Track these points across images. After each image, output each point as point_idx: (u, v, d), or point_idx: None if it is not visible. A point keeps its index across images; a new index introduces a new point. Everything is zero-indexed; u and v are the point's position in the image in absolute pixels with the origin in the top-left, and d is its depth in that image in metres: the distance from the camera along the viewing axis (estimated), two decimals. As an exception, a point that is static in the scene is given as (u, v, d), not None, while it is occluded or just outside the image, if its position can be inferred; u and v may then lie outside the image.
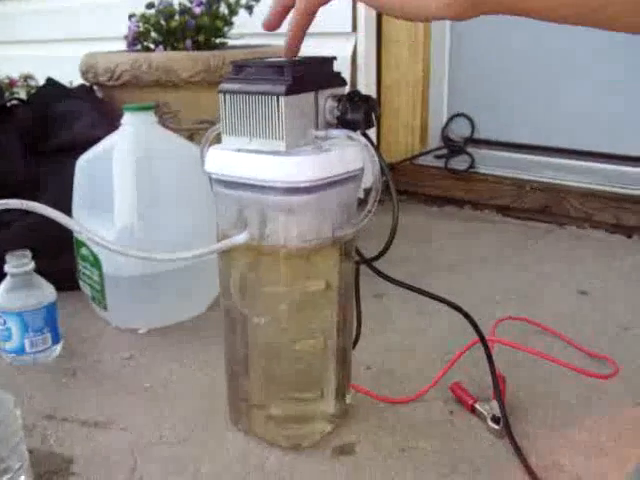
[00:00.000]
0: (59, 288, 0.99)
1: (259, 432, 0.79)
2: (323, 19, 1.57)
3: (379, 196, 0.66)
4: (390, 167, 1.63)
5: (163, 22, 1.47)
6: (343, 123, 0.67)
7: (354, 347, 0.82)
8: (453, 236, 1.46)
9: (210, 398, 0.86)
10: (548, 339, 0.99)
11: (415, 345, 0.98)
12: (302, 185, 0.64)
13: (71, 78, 2.06)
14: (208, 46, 1.48)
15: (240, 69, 0.68)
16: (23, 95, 2.24)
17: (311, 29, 1.64)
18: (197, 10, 1.44)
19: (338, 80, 0.70)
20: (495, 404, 0.79)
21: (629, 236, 1.40)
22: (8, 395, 0.68)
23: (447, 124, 1.74)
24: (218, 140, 0.72)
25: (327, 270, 0.73)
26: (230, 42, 1.55)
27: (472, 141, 1.70)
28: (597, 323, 1.03)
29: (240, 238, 0.68)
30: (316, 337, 0.75)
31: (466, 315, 0.78)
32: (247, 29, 1.56)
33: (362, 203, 0.69)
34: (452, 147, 1.69)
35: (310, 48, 1.54)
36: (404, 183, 1.69)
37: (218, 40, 1.52)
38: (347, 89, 0.70)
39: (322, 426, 0.79)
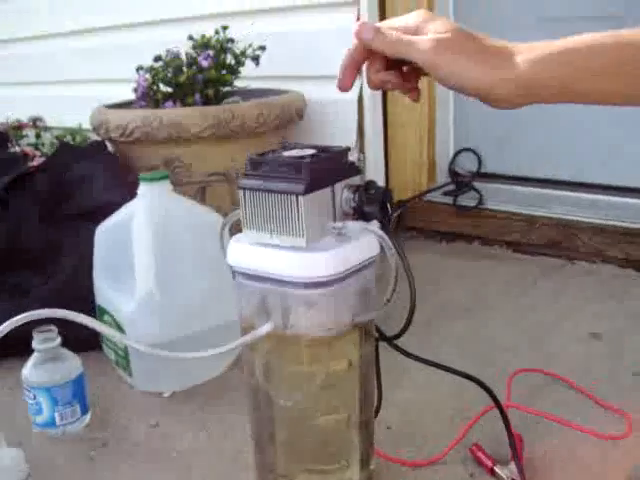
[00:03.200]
0: (82, 349, 1.02)
1: (287, 503, 0.81)
2: (329, 63, 1.61)
3: (397, 285, 0.68)
4: (399, 204, 1.67)
5: (171, 75, 1.50)
6: (359, 213, 0.70)
7: (376, 416, 0.84)
8: (463, 276, 1.48)
9: (237, 469, 0.89)
10: (562, 390, 1.01)
11: (432, 401, 1.00)
12: (322, 280, 0.67)
13: (79, 120, 2.11)
14: (216, 97, 1.51)
15: (257, 165, 0.70)
16: (32, 138, 2.28)
17: (318, 73, 1.68)
18: (204, 63, 1.47)
19: (353, 170, 0.72)
20: (513, 467, 0.81)
21: (639, 270, 1.42)
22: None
23: (454, 159, 1.76)
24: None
25: (349, 351, 0.75)
26: (237, 87, 1.58)
27: (479, 175, 1.72)
28: (609, 369, 1.05)
29: (264, 329, 0.70)
30: (340, 412, 0.77)
31: (481, 384, 0.81)
32: (252, 72, 1.60)
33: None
34: (459, 182, 1.72)
35: (318, 92, 1.59)
36: (413, 219, 1.72)
37: (225, 89, 1.55)
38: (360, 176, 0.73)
39: (348, 495, 0.81)
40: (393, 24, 0.68)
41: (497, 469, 0.83)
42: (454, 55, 0.63)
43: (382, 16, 1.63)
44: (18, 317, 0.65)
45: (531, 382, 1.02)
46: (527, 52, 0.63)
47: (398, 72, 0.72)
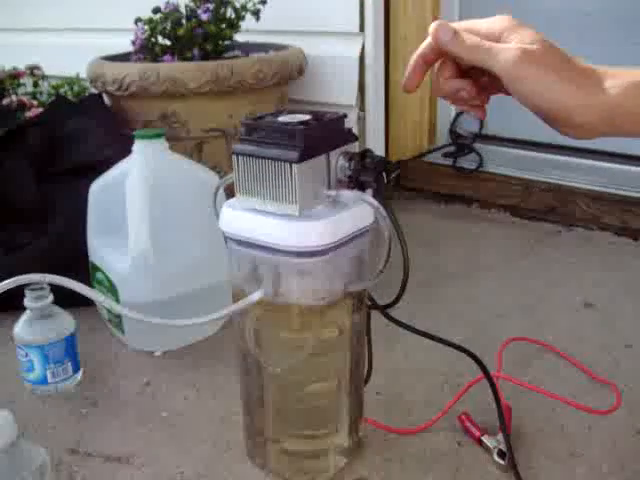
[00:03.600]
0: (74, 304, 1.01)
1: (275, 467, 0.82)
2: (330, 19, 1.58)
3: (390, 256, 0.68)
4: (398, 164, 1.66)
5: (170, 28, 1.47)
6: (355, 182, 0.69)
7: (366, 384, 0.85)
8: (460, 238, 1.48)
9: (226, 429, 0.89)
10: (553, 359, 1.01)
11: (422, 369, 1.01)
12: (315, 249, 0.66)
13: (77, 69, 2.08)
14: (215, 51, 1.49)
15: (252, 130, 0.69)
16: (29, 87, 2.24)
17: (319, 29, 1.65)
18: (204, 17, 1.45)
19: (349, 137, 0.71)
20: (501, 437, 0.82)
21: (635, 239, 1.41)
22: (41, 449, 0.71)
23: (455, 120, 1.74)
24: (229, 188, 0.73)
25: (340, 318, 0.75)
26: (237, 41, 1.56)
27: (480, 137, 1.70)
28: (602, 340, 1.06)
29: (255, 296, 0.70)
30: (330, 379, 0.78)
31: (472, 355, 0.80)
32: (252, 25, 1.57)
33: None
34: (460, 144, 1.70)
35: (319, 48, 1.57)
36: (412, 180, 1.71)
37: (225, 43, 1.53)
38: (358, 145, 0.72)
39: (337, 460, 0.82)
40: (473, 26, 0.64)
41: (484, 439, 0.83)
42: (539, 69, 0.59)
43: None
44: (8, 281, 0.65)
45: (522, 351, 1.03)
46: (614, 78, 0.58)
47: (470, 82, 0.66)
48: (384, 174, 0.69)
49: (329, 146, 0.68)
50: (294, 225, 0.66)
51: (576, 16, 1.52)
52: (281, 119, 0.69)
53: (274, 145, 0.66)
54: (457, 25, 0.64)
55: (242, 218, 0.69)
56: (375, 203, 0.67)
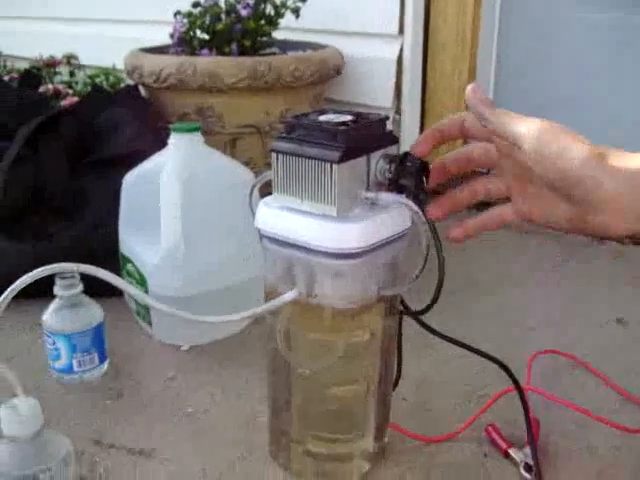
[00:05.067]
0: (102, 294, 1.01)
1: (298, 468, 0.81)
2: (370, 20, 1.57)
3: (427, 261, 0.67)
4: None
5: (209, 23, 1.47)
6: (394, 185, 0.68)
7: (394, 389, 0.84)
8: (492, 247, 1.46)
9: (251, 430, 0.89)
10: (583, 375, 0.99)
11: (449, 376, 0.99)
12: (352, 251, 0.65)
13: (114, 60, 2.09)
14: (253, 48, 1.49)
15: (293, 128, 0.68)
16: (66, 75, 2.26)
17: (358, 29, 1.65)
18: (244, 13, 1.44)
19: (390, 139, 0.70)
20: (528, 451, 0.80)
21: (670, 255, 1.39)
22: (66, 439, 0.71)
23: (490, 127, 1.72)
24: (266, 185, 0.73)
25: (372, 322, 0.74)
26: (275, 38, 1.56)
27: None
28: (633, 357, 1.04)
29: (288, 296, 0.69)
30: (359, 383, 0.77)
31: (503, 366, 0.79)
32: (291, 23, 1.57)
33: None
34: (494, 151, 1.68)
35: (357, 49, 1.56)
36: (445, 186, 1.69)
37: (263, 39, 1.53)
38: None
39: (361, 465, 0.81)
40: None
41: (512, 452, 0.82)
42: (566, 136, 0.58)
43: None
44: (39, 270, 0.64)
45: (552, 365, 1.01)
46: (638, 155, 0.57)
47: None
48: (424, 178, 0.68)
49: (370, 148, 0.67)
50: (331, 226, 0.65)
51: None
52: (322, 118, 0.68)
53: (315, 144, 0.65)
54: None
55: (278, 217, 0.69)
56: (414, 207, 0.66)
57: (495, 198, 0.72)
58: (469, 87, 0.66)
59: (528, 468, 0.79)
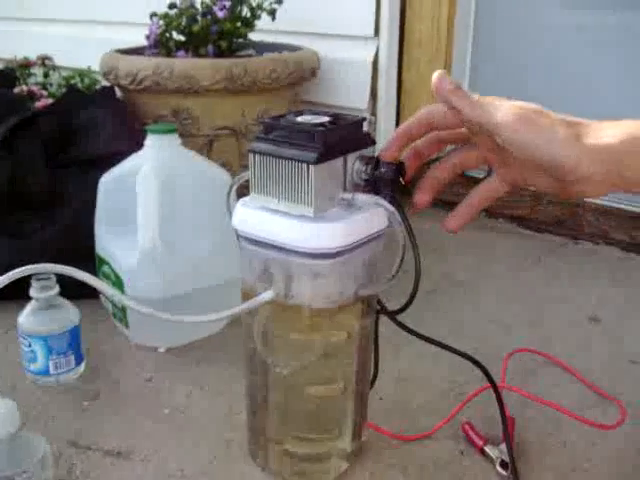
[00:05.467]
0: (78, 296, 1.00)
1: (276, 468, 0.81)
2: (345, 22, 1.58)
3: (403, 262, 0.67)
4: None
5: (185, 24, 1.47)
6: (371, 186, 0.69)
7: (371, 388, 0.84)
8: (466, 247, 1.47)
9: (229, 428, 0.89)
10: (558, 372, 1.01)
11: (426, 374, 1.00)
12: (329, 251, 0.66)
13: (89, 62, 2.08)
14: (229, 49, 1.49)
15: (270, 129, 0.68)
16: (40, 77, 2.24)
17: (333, 31, 1.66)
18: (220, 14, 1.44)
19: (367, 140, 0.71)
20: (504, 448, 0.81)
21: (643, 255, 1.41)
22: (42, 437, 0.71)
23: (464, 128, 1.74)
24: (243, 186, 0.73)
25: (349, 322, 0.74)
26: (251, 40, 1.56)
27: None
28: (607, 355, 1.05)
29: (266, 296, 0.70)
30: (335, 382, 0.77)
31: (478, 364, 0.80)
32: (267, 25, 1.57)
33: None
34: (469, 152, 1.69)
35: (332, 51, 1.57)
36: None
37: (239, 41, 1.53)
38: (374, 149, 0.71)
39: (338, 464, 0.81)
40: None
41: (487, 449, 0.83)
42: (539, 120, 0.59)
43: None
44: (16, 270, 0.64)
45: (527, 363, 1.02)
46: (614, 127, 0.58)
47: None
48: (400, 178, 0.69)
49: (347, 149, 0.68)
50: (309, 226, 0.66)
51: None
52: (299, 119, 0.69)
53: (292, 145, 0.66)
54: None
55: (256, 217, 0.69)
56: (390, 207, 0.67)
57: (476, 168, 0.71)
58: (435, 76, 0.64)
59: (504, 465, 0.80)
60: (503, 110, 0.60)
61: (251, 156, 0.69)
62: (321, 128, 0.66)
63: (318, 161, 0.64)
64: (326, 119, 0.69)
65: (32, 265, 0.65)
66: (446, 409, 0.90)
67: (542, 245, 1.48)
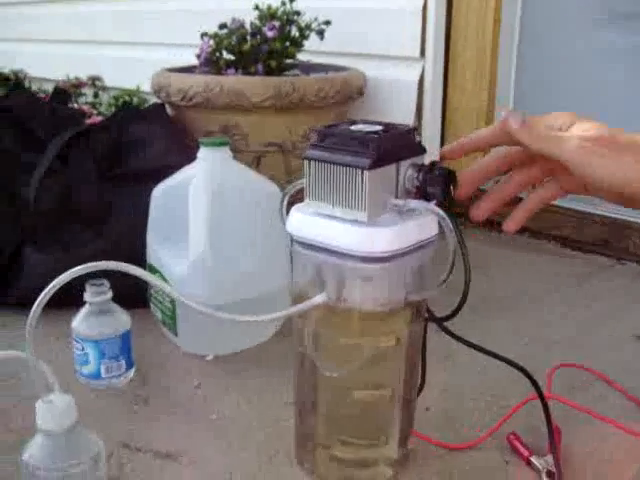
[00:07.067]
0: (128, 306, 1.03)
1: (323, 473, 0.82)
2: (392, 43, 1.60)
3: (454, 267, 0.68)
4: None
5: (235, 44, 1.51)
6: (422, 193, 0.70)
7: (418, 396, 0.85)
8: (510, 267, 1.48)
9: (276, 436, 0.90)
10: (602, 388, 1.00)
11: (472, 386, 1.01)
12: (381, 255, 0.67)
13: (137, 82, 2.13)
14: (278, 69, 1.52)
15: (324, 137, 0.70)
16: (90, 97, 2.30)
17: (380, 52, 1.68)
18: (269, 34, 1.48)
19: (418, 149, 0.72)
20: (550, 459, 0.82)
21: (689, 276, 1.40)
22: (97, 438, 0.73)
23: (509, 149, 1.75)
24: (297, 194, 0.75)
25: (398, 327, 0.75)
26: (299, 60, 1.59)
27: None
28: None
29: (318, 299, 0.71)
30: (384, 388, 0.78)
31: (528, 375, 0.81)
32: (314, 46, 1.60)
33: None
34: (513, 172, 1.70)
35: (379, 71, 1.59)
36: (463, 206, 1.71)
37: (288, 61, 1.56)
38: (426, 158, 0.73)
39: (384, 471, 0.82)
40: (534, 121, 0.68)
41: (533, 459, 0.83)
42: (610, 149, 0.61)
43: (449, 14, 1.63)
44: (78, 268, 0.67)
45: (571, 378, 1.02)
46: None
47: None
48: (451, 186, 0.70)
49: (399, 156, 0.69)
50: (362, 231, 0.67)
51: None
52: (353, 128, 0.71)
53: (346, 152, 0.68)
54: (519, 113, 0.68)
55: (310, 222, 0.71)
56: (442, 213, 0.68)
57: (541, 182, 0.74)
58: (504, 115, 0.68)
59: (550, 474, 0.80)
60: (572, 144, 0.63)
61: (306, 163, 0.70)
62: (375, 135, 0.68)
63: (372, 167, 0.66)
64: (379, 128, 0.70)
65: (98, 262, 0.68)
66: (491, 420, 0.90)
67: (586, 266, 1.48)
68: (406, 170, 0.70)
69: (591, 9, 1.58)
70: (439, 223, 0.71)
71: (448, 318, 0.74)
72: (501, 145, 0.72)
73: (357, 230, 0.67)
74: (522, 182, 0.74)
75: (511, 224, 0.75)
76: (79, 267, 0.67)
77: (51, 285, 0.65)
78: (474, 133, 0.73)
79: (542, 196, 0.73)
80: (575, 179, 0.67)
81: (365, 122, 0.73)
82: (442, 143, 1.71)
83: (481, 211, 0.76)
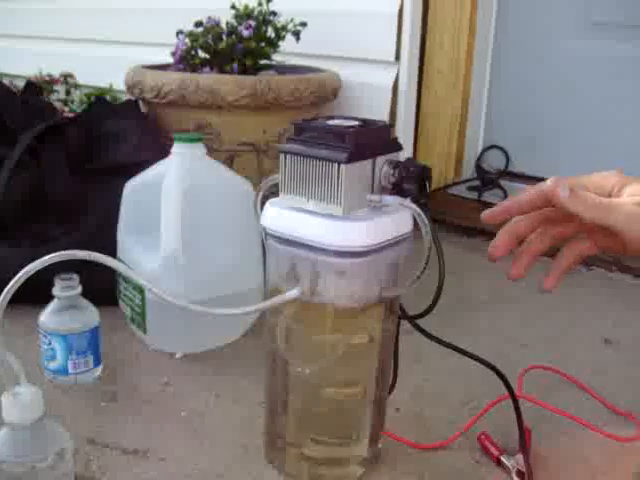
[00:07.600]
0: (97, 302, 1.02)
1: (293, 472, 0.81)
2: (367, 47, 1.61)
3: (429, 264, 0.68)
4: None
5: (211, 42, 1.50)
6: (397, 190, 0.70)
7: (389, 394, 0.85)
8: (482, 271, 1.48)
9: (245, 433, 0.89)
10: (572, 390, 1.01)
11: (443, 387, 1.01)
12: (356, 250, 0.67)
13: (110, 80, 2.12)
14: (253, 68, 1.51)
15: (301, 130, 0.70)
16: (62, 94, 2.28)
17: (355, 55, 1.68)
18: (245, 33, 1.47)
19: (395, 145, 0.72)
20: (520, 458, 0.82)
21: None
22: (66, 432, 0.72)
23: (481, 155, 1.76)
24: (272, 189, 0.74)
25: (371, 325, 0.75)
26: (274, 60, 1.59)
27: (506, 174, 1.72)
28: (621, 375, 1.06)
29: (292, 294, 0.71)
30: (356, 386, 0.78)
31: (499, 374, 0.81)
32: (289, 47, 1.60)
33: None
34: (485, 178, 1.71)
35: (354, 74, 1.59)
36: (435, 211, 1.71)
37: (263, 62, 1.55)
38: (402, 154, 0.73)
39: (355, 470, 0.81)
40: (581, 182, 0.67)
41: (503, 459, 0.83)
42: None
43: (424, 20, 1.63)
44: (49, 256, 0.66)
45: (542, 379, 1.02)
46: None
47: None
48: (426, 183, 0.70)
49: (376, 152, 0.69)
50: (337, 225, 0.67)
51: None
52: (330, 122, 0.70)
53: (323, 146, 0.67)
54: (566, 180, 0.67)
55: (285, 216, 0.70)
56: (417, 209, 0.68)
57: (573, 236, 0.73)
58: (550, 182, 0.67)
59: (520, 474, 0.80)
60: (624, 213, 0.62)
61: (282, 156, 0.70)
62: (352, 129, 0.67)
63: (348, 161, 0.66)
64: (356, 123, 0.70)
65: (68, 251, 0.67)
66: (462, 420, 0.90)
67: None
68: (382, 166, 0.70)
69: (565, 16, 1.60)
70: (414, 219, 0.70)
71: (421, 315, 0.74)
72: (539, 209, 0.72)
73: (332, 224, 0.67)
74: (557, 237, 0.74)
75: (552, 281, 0.75)
76: (51, 255, 0.66)
77: (21, 273, 0.64)
78: (513, 198, 0.73)
79: (577, 254, 0.73)
80: (617, 240, 0.66)
81: (342, 117, 0.72)
82: (415, 147, 1.71)
83: (522, 270, 0.77)
